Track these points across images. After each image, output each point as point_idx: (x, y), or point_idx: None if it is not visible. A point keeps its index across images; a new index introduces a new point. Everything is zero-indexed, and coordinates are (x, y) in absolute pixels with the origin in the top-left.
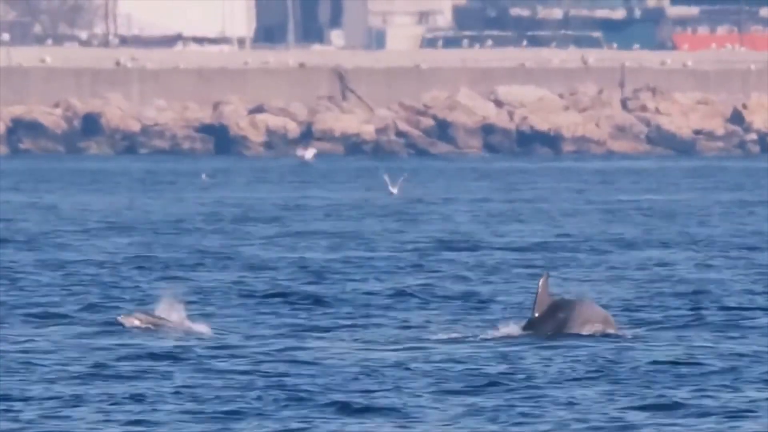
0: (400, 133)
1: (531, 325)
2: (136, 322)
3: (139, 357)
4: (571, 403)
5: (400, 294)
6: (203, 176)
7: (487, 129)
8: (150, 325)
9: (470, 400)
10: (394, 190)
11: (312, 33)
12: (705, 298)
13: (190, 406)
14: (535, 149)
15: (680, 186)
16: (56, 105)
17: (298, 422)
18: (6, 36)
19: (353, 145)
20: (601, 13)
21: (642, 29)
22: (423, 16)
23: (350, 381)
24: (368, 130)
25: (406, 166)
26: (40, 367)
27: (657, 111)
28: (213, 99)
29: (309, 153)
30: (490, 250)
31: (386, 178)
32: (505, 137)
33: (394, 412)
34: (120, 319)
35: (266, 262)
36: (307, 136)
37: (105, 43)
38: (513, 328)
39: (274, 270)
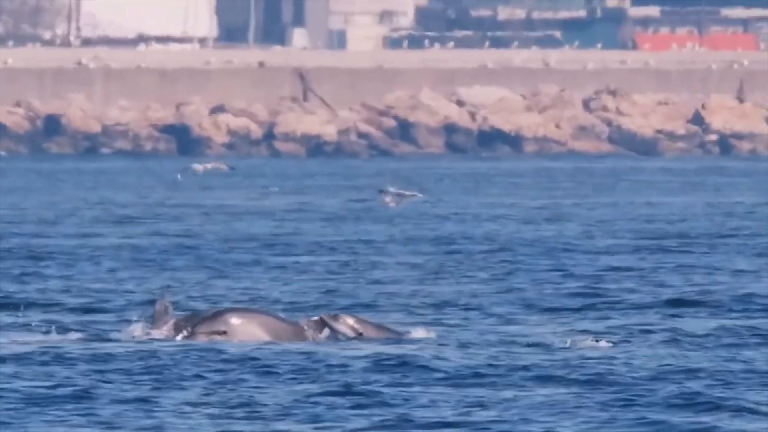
0: (361, 134)
1: None
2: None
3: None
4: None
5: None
6: (178, 176)
7: (449, 129)
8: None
9: None
10: (408, 193)
11: (274, 33)
12: None
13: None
14: (497, 149)
15: None
16: (17, 105)
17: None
18: None
19: (315, 147)
20: (563, 13)
21: (604, 29)
22: (385, 17)
23: None
24: (330, 131)
25: (368, 166)
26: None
27: (618, 111)
28: (175, 99)
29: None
30: None
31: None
32: (467, 137)
33: None
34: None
35: None
36: (269, 137)
37: (67, 44)
38: None
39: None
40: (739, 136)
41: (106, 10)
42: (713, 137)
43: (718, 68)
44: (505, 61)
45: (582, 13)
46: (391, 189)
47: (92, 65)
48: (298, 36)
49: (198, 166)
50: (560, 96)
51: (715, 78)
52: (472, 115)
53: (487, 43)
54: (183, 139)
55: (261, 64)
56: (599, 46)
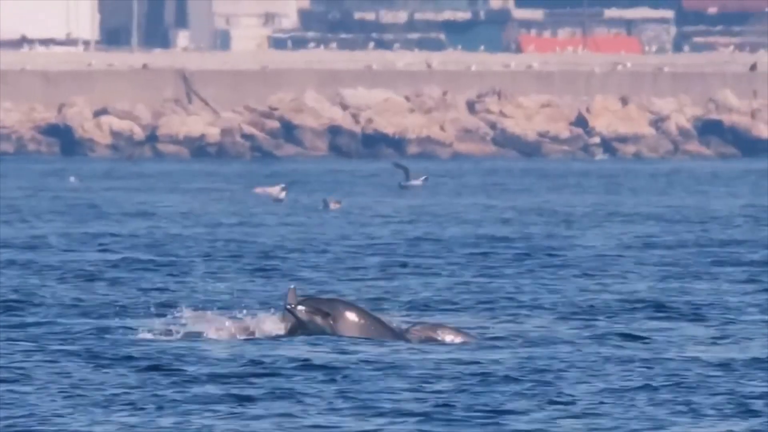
0: (245, 136)
1: None
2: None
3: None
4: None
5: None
6: (71, 179)
7: (333, 131)
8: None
9: None
10: (417, 182)
11: (157, 35)
12: None
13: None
14: (380, 151)
15: None
16: None
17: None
18: None
19: (198, 148)
20: (446, 15)
21: (487, 31)
22: (268, 18)
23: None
24: (213, 133)
25: (251, 168)
26: None
27: (502, 114)
28: (59, 101)
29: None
30: None
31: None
32: (351, 139)
33: None
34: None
35: None
36: (152, 138)
37: None
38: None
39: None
40: (623, 139)
41: None
42: (597, 140)
43: (602, 71)
44: (389, 64)
45: (466, 15)
46: (414, 182)
47: None
48: (182, 37)
49: (273, 190)
50: (443, 98)
51: (598, 80)
52: (356, 118)
53: (370, 45)
54: (66, 141)
55: (144, 66)
56: (483, 48)
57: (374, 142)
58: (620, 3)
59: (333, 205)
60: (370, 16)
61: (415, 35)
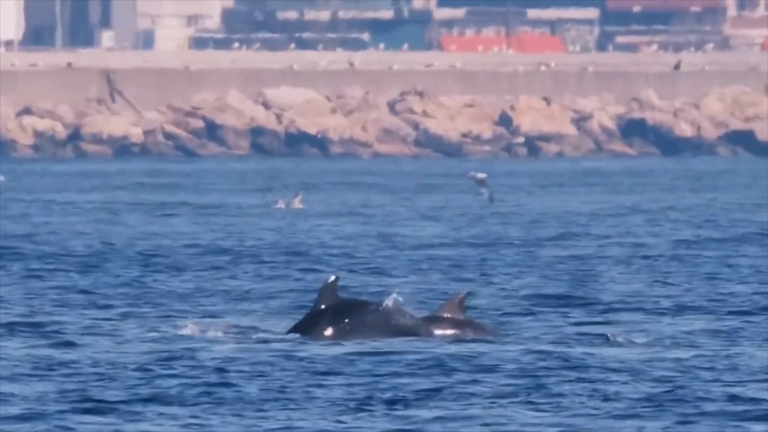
0: (168, 135)
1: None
2: None
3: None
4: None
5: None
6: (0, 177)
7: (256, 131)
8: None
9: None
10: (486, 190)
11: (81, 35)
12: None
13: None
14: (303, 151)
15: None
16: None
17: None
18: None
19: (121, 148)
20: (369, 14)
21: (410, 30)
22: (191, 19)
23: None
24: (136, 132)
25: (175, 168)
26: None
27: (424, 114)
28: None
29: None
30: None
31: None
32: (274, 139)
33: None
34: None
35: None
36: (75, 138)
37: None
38: None
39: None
40: (547, 138)
41: None
42: (521, 139)
43: (525, 70)
44: (311, 64)
45: (389, 14)
46: (483, 184)
47: None
48: (106, 37)
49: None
50: (365, 99)
51: (521, 80)
52: (279, 117)
53: (292, 45)
54: None
55: (68, 66)
56: (406, 47)
57: (297, 142)
58: (544, 2)
59: (297, 204)
60: (293, 15)
61: (338, 35)
